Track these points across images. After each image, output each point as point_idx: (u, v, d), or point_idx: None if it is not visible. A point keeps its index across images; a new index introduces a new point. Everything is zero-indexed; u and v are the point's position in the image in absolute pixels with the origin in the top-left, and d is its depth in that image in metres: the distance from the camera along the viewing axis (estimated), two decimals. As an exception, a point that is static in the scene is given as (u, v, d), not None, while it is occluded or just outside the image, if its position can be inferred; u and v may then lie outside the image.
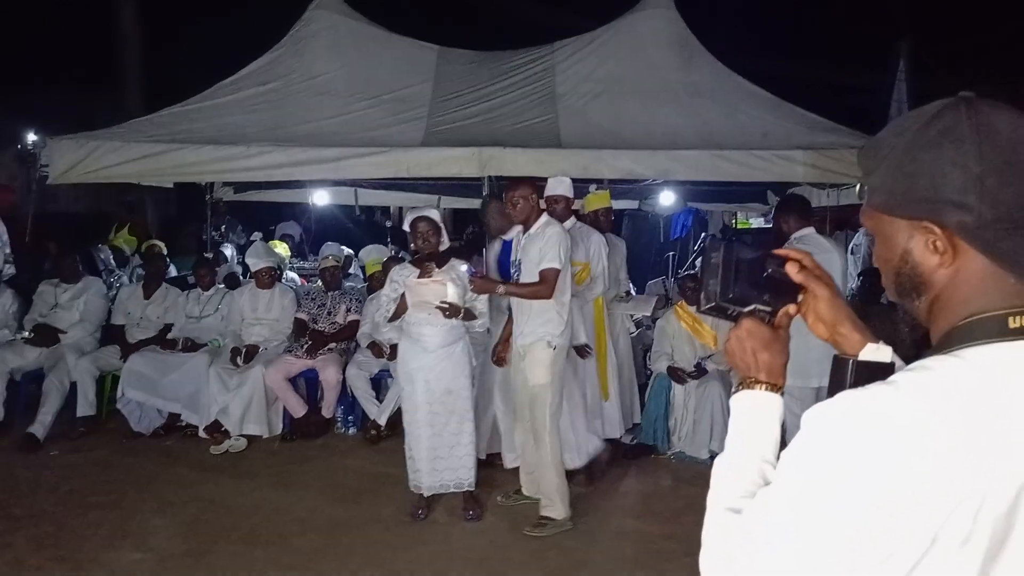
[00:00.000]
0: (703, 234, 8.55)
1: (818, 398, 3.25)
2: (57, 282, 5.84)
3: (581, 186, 5.87)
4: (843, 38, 12.03)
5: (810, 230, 4.39)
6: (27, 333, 5.64)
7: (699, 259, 5.94)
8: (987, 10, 10.29)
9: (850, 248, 8.02)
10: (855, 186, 6.64)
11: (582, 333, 4.56)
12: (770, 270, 1.17)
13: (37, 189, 6.19)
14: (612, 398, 4.85)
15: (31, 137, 11.88)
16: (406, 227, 4.18)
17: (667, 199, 7.83)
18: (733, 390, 1.11)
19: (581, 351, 4.55)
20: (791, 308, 1.12)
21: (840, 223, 8.92)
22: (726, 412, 4.82)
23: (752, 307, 1.15)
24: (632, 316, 5.65)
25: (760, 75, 6.95)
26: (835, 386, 1.13)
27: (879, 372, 1.12)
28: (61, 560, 3.66)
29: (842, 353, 1.10)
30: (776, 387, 1.07)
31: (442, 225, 4.12)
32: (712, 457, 4.89)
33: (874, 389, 0.83)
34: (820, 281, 1.11)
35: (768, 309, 1.15)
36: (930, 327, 0.94)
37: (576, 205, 5.16)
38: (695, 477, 4.74)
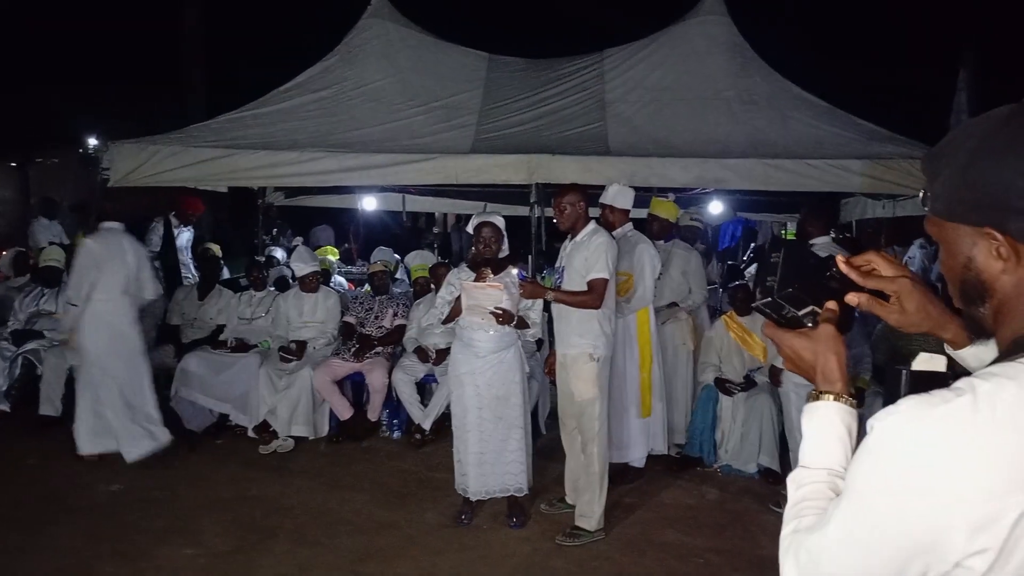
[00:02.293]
0: (752, 244, 8.43)
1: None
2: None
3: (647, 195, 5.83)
4: (904, 44, 11.77)
5: (827, 239, 4.33)
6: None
7: (750, 268, 5.85)
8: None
9: (903, 262, 7.84)
10: (912, 197, 6.49)
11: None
12: (831, 273, 1.16)
13: (100, 191, 6.39)
14: (658, 413, 4.78)
15: (92, 141, 12.34)
16: (470, 229, 4.20)
17: (716, 208, 7.74)
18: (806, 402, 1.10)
19: None
20: (831, 303, 1.11)
21: (894, 236, 8.73)
22: (775, 425, 4.75)
23: (809, 309, 1.14)
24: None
25: (816, 82, 6.83)
26: (890, 395, 1.11)
27: (934, 382, 1.10)
28: (117, 554, 3.75)
29: (948, 342, 1.12)
30: (839, 395, 1.06)
31: (504, 232, 4.13)
32: (760, 471, 4.82)
33: (940, 395, 0.82)
34: (896, 280, 1.10)
35: (820, 311, 1.14)
36: (996, 334, 0.94)
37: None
38: (742, 491, 4.67)
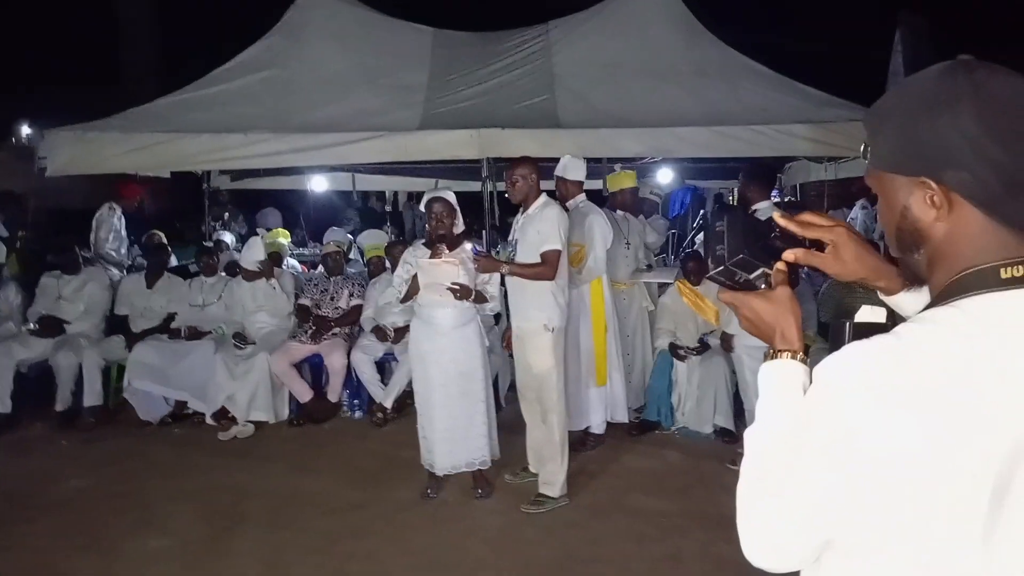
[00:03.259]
0: (701, 211, 8.57)
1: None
2: (59, 274, 5.85)
3: (598, 166, 5.88)
4: (843, 6, 11.98)
5: (768, 204, 4.43)
6: (32, 325, 5.65)
7: (699, 236, 5.96)
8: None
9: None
10: (853, 159, 6.67)
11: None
12: (775, 233, 1.20)
13: (37, 182, 6.18)
14: (616, 382, 4.87)
15: (25, 130, 11.85)
16: (422, 207, 4.19)
17: (665, 177, 7.84)
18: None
19: None
20: (779, 264, 1.15)
21: (837, 198, 8.95)
22: (730, 386, 4.88)
23: (760, 271, 1.18)
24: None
25: (759, 50, 6.93)
26: (835, 347, 1.17)
27: (875, 332, 1.16)
28: (86, 549, 3.69)
29: (882, 290, 1.17)
30: (795, 353, 1.10)
31: (457, 207, 4.12)
32: (716, 432, 4.96)
33: (880, 340, 0.87)
34: (833, 229, 1.15)
35: (771, 272, 1.19)
36: (929, 281, 0.99)
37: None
38: (702, 452, 4.80)
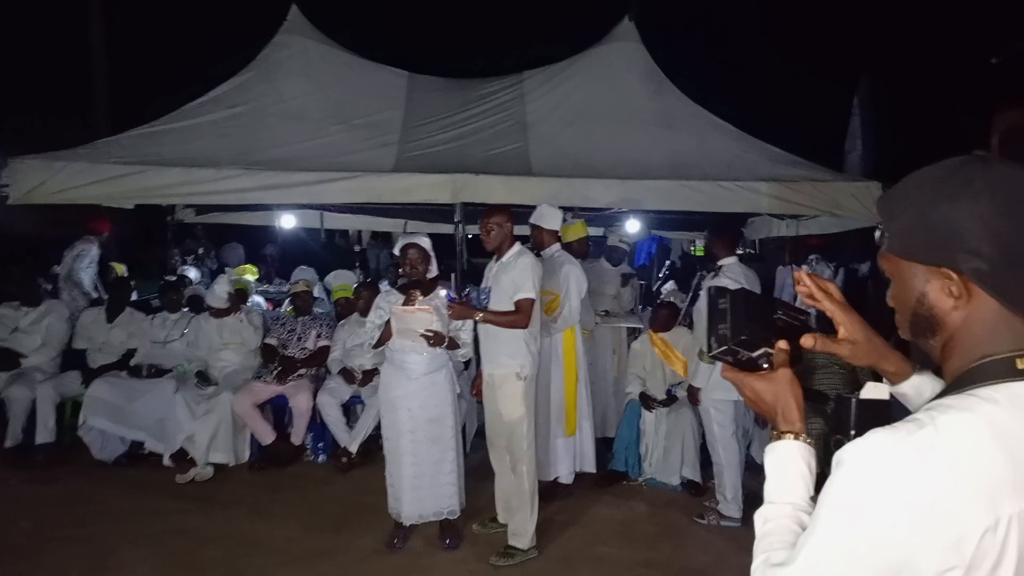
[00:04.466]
0: (667, 261, 8.73)
1: (737, 410, 3.39)
2: (17, 305, 5.69)
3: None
4: (804, 68, 12.44)
5: (734, 259, 4.54)
6: (-16, 358, 5.46)
7: (665, 285, 6.07)
8: (941, 46, 10.74)
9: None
10: (812, 217, 6.90)
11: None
12: (780, 314, 1.25)
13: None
14: (585, 431, 4.89)
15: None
16: (396, 252, 4.18)
17: (633, 227, 7.98)
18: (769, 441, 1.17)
19: None
20: (781, 343, 1.19)
21: (796, 254, 9.18)
22: (697, 439, 4.93)
23: (762, 351, 1.22)
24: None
25: (724, 104, 7.17)
26: (840, 423, 1.21)
27: (879, 408, 1.20)
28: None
29: (889, 376, 1.22)
30: (798, 434, 1.14)
31: (431, 253, 4.13)
32: (683, 484, 4.99)
33: (904, 427, 0.90)
34: (847, 309, 1.20)
35: (772, 352, 1.22)
36: (943, 364, 1.03)
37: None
38: (668, 504, 4.83)
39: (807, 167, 6.39)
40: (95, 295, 6.95)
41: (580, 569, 3.94)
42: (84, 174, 5.78)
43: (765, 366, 1.20)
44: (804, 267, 8.66)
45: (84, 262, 6.90)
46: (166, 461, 5.22)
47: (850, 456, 0.91)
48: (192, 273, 7.52)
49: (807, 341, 1.18)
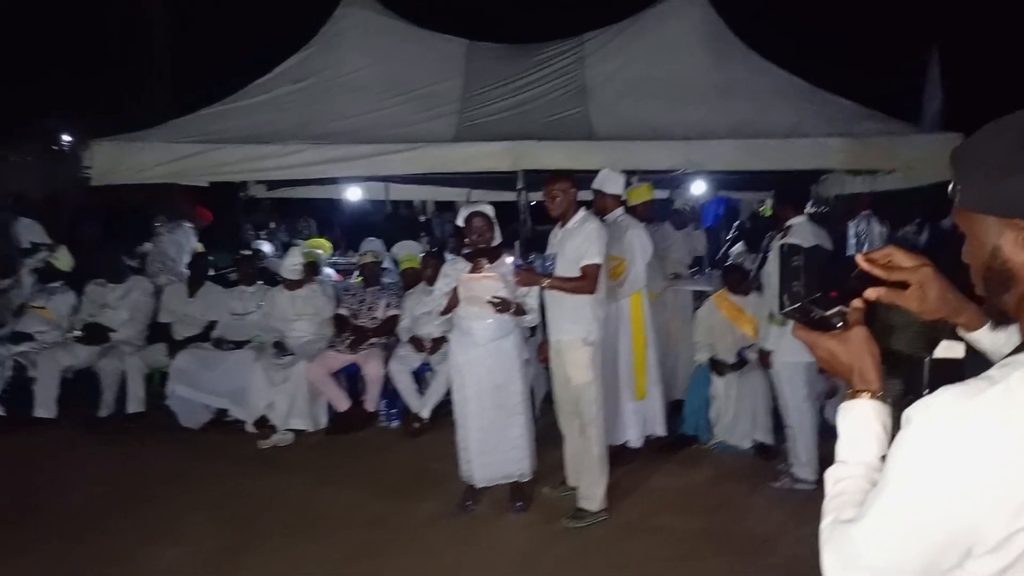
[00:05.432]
0: (735, 223, 8.55)
1: (809, 372, 3.30)
2: (104, 282, 5.99)
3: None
4: (887, 13, 11.87)
5: (803, 219, 4.42)
6: (77, 332, 5.79)
7: (733, 248, 5.96)
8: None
9: (854, 234, 7.96)
10: (889, 172, 6.64)
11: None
12: (855, 272, 1.21)
13: (80, 190, 6.33)
14: (654, 396, 4.88)
15: (66, 138, 12.13)
16: (460, 222, 4.23)
17: (698, 188, 7.83)
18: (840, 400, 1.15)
19: None
20: (856, 302, 1.16)
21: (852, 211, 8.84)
22: (769, 402, 4.86)
23: (836, 309, 1.19)
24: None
25: (794, 60, 6.92)
26: (913, 382, 1.18)
27: (953, 368, 1.17)
28: (103, 556, 3.73)
29: (962, 327, 1.18)
30: (873, 392, 1.12)
31: (495, 221, 4.16)
32: (755, 447, 4.94)
33: (975, 384, 0.89)
34: (919, 270, 1.16)
35: (848, 310, 1.20)
36: (1019, 320, 1.00)
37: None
38: (736, 470, 4.78)
39: (881, 120, 6.13)
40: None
41: (641, 537, 3.93)
42: (159, 154, 6.01)
43: (839, 325, 1.17)
44: (851, 224, 8.32)
45: (180, 245, 7.19)
46: (248, 427, 5.45)
47: (918, 414, 0.90)
48: (265, 247, 7.76)
49: (871, 293, 1.15)
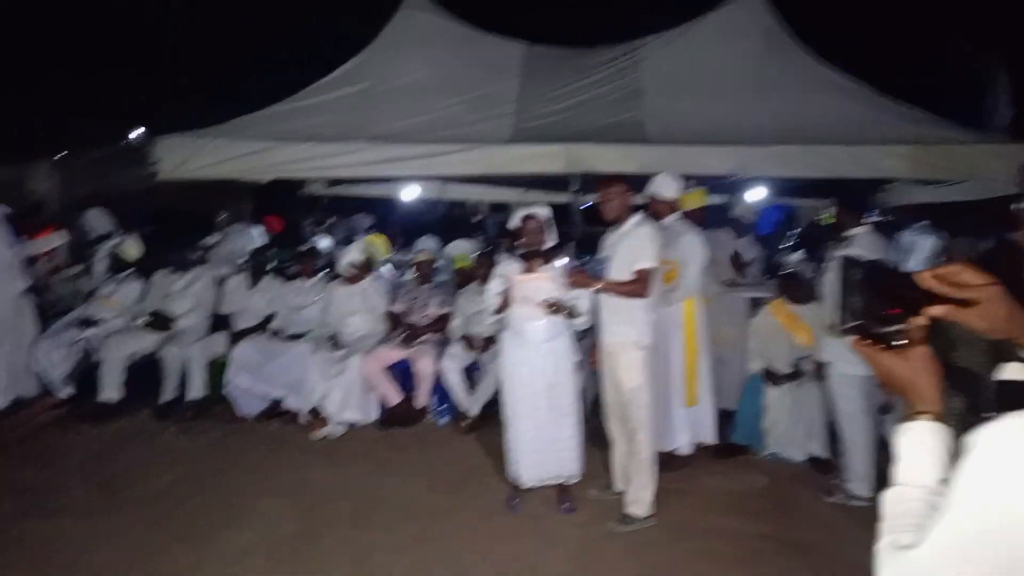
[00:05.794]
0: (793, 230, 8.39)
1: (867, 385, 3.22)
2: (170, 271, 6.21)
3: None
4: (953, 18, 11.49)
5: (864, 229, 4.32)
6: (143, 320, 6.01)
7: (791, 256, 5.84)
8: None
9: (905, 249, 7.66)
10: (958, 182, 6.45)
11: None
12: (917, 290, 1.18)
13: (148, 185, 6.56)
14: (706, 402, 4.84)
15: (134, 134, 12.55)
16: (515, 223, 4.26)
17: (757, 195, 7.71)
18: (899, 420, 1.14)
19: None
20: (920, 319, 1.13)
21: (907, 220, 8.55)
22: (824, 414, 4.77)
23: (897, 327, 1.17)
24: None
25: (858, 63, 6.77)
26: (978, 404, 1.16)
27: (1021, 390, 1.14)
28: (180, 539, 3.89)
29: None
30: (934, 414, 1.10)
31: (550, 222, 4.19)
32: (809, 459, 4.86)
33: None
34: (986, 288, 1.13)
35: (909, 327, 1.17)
36: None
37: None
38: (790, 478, 4.72)
39: (948, 128, 5.96)
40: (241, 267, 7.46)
41: (692, 539, 3.93)
42: (222, 151, 6.18)
43: (901, 342, 1.15)
44: (906, 234, 8.02)
45: (243, 242, 7.43)
46: (302, 419, 5.58)
47: (981, 440, 0.89)
48: (324, 242, 7.93)
49: (936, 310, 1.12)
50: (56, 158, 13.91)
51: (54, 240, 6.84)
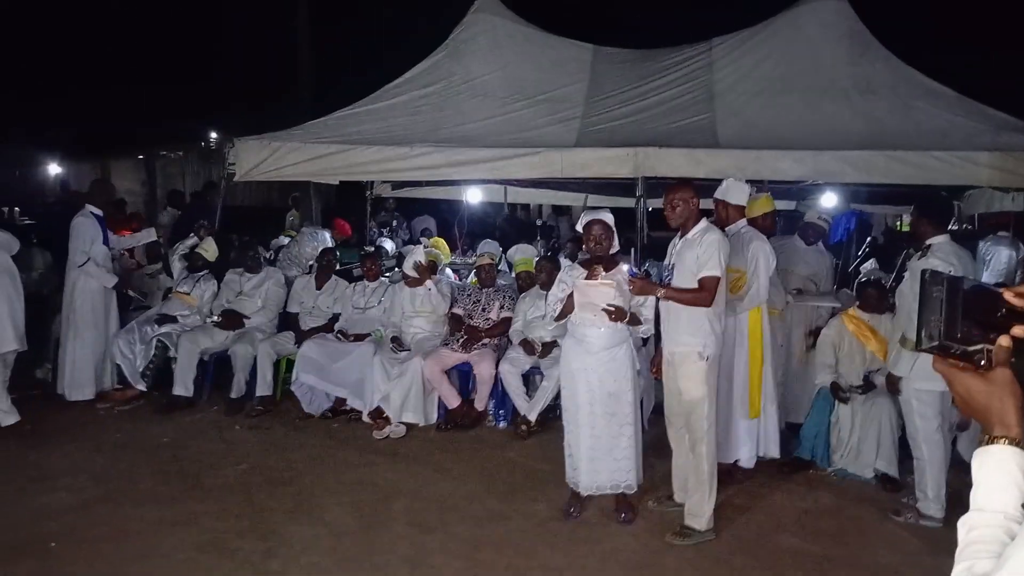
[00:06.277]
0: (868, 238, 8.10)
1: (943, 402, 3.08)
2: (242, 271, 6.42)
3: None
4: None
5: (944, 238, 4.12)
6: (216, 318, 6.22)
7: (865, 264, 5.64)
8: None
9: (981, 259, 7.23)
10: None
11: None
12: (1003, 310, 1.12)
13: (225, 185, 6.80)
14: (770, 415, 4.71)
15: (212, 135, 13.07)
16: (579, 227, 4.23)
17: (829, 201, 7.48)
18: (978, 443, 1.08)
19: None
20: (1003, 340, 1.07)
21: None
22: (895, 430, 4.59)
23: (980, 346, 1.11)
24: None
25: (941, 67, 6.49)
26: None
27: None
28: (248, 531, 4.01)
29: None
30: (1014, 439, 1.04)
31: (614, 228, 4.14)
32: (877, 477, 4.67)
33: None
34: None
35: (992, 348, 1.11)
36: None
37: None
38: (858, 497, 4.55)
39: (1036, 134, 5.65)
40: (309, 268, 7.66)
41: (755, 555, 3.83)
42: (296, 153, 6.37)
43: (983, 363, 1.09)
44: (981, 243, 7.60)
45: (315, 245, 7.64)
46: (364, 418, 5.67)
47: None
48: (388, 244, 8.06)
49: (1020, 331, 1.06)
50: (140, 157, 14.62)
51: (141, 237, 7.12)
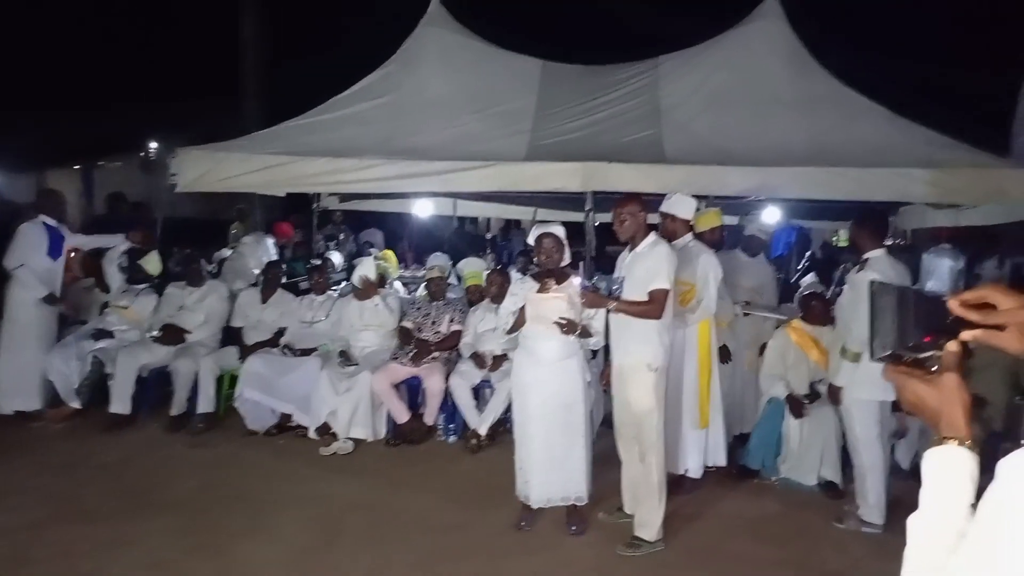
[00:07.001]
0: (807, 252, 8.33)
1: (882, 411, 3.18)
2: (184, 284, 6.23)
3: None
4: (965, 48, 11.47)
5: (881, 252, 4.26)
6: (156, 332, 6.02)
7: (804, 279, 5.79)
8: None
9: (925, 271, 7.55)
10: (975, 206, 6.38)
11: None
12: (952, 317, 1.15)
13: (166, 196, 6.60)
14: (717, 424, 4.78)
15: (153, 145, 12.71)
16: (530, 241, 4.24)
17: (771, 216, 7.66)
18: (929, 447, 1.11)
19: None
20: (951, 345, 1.11)
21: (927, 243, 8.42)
22: (838, 439, 4.70)
23: (930, 354, 1.14)
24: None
25: (876, 86, 6.72)
26: (1010, 428, 1.12)
27: None
28: (200, 549, 3.88)
29: None
30: (961, 440, 1.07)
31: (565, 241, 4.16)
32: (820, 484, 4.77)
33: None
34: (1016, 311, 1.09)
35: (941, 354, 1.14)
36: None
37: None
38: (803, 504, 4.65)
39: (968, 151, 5.89)
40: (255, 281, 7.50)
41: (709, 563, 3.87)
42: (242, 164, 6.22)
43: (934, 369, 1.13)
44: (925, 255, 7.92)
45: (258, 255, 7.46)
46: (311, 434, 5.56)
47: (1009, 468, 0.86)
48: (336, 257, 7.94)
49: (967, 335, 1.10)
50: (77, 168, 14.13)
51: (105, 241, 6.75)
